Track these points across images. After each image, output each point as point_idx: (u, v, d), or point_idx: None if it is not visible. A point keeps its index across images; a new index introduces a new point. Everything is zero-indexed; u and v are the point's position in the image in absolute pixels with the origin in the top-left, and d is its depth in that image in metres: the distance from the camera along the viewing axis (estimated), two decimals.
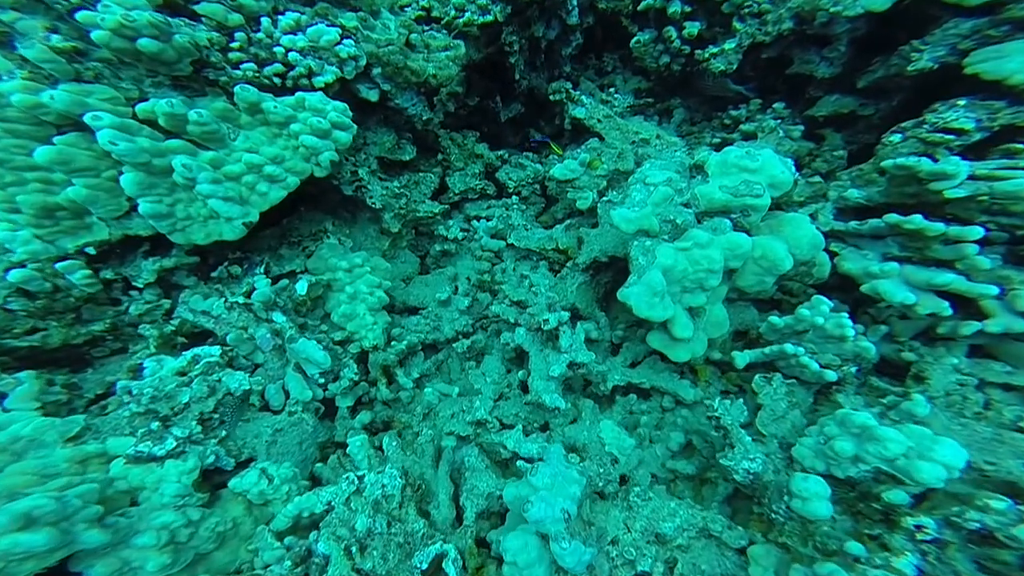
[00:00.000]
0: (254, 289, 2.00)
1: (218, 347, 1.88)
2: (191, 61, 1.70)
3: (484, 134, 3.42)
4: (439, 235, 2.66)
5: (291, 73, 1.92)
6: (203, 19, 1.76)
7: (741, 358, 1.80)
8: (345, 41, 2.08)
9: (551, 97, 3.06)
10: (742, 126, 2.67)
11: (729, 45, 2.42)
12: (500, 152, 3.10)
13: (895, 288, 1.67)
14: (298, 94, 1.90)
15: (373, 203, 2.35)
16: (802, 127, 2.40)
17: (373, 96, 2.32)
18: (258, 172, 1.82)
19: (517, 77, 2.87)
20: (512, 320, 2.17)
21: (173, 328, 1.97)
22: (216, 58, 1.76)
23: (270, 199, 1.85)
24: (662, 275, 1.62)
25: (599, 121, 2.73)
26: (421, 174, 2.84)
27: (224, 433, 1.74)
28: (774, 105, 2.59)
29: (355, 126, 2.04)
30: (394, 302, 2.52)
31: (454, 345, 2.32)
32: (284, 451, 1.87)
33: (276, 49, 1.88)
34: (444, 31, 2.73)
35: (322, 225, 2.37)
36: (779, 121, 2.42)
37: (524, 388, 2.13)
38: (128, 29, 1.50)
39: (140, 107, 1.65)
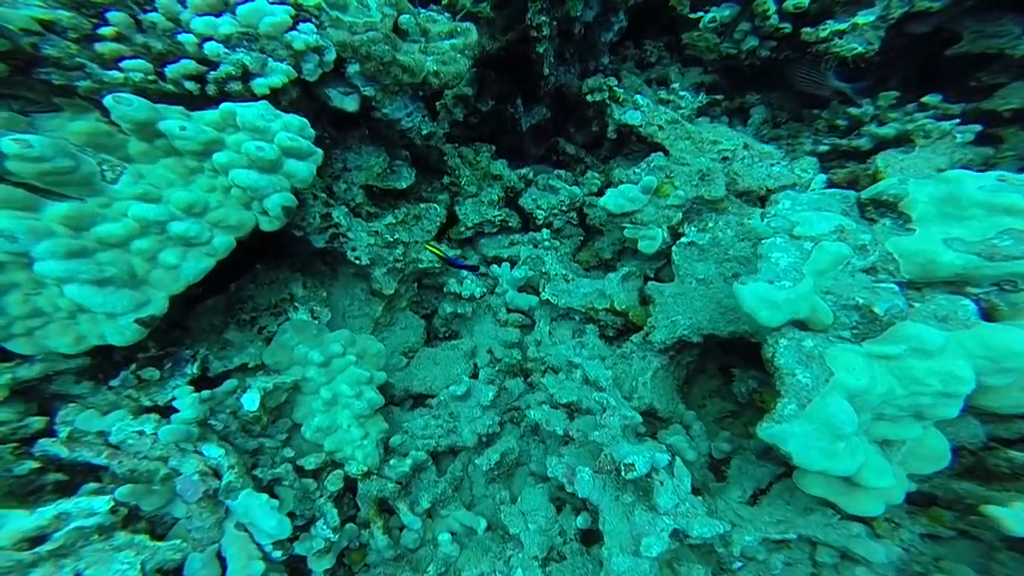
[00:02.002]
0: (173, 403, 1.28)
1: (106, 499, 1.14)
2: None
3: (500, 147, 2.70)
4: (451, 292, 1.93)
5: (212, 74, 1.20)
6: None
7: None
8: (301, 26, 1.36)
9: (587, 97, 2.32)
10: (873, 128, 1.89)
11: (866, 17, 1.68)
12: (523, 171, 2.37)
13: None
14: (225, 105, 1.18)
15: (357, 258, 1.62)
16: (979, 127, 1.67)
17: (350, 104, 1.60)
18: (160, 232, 1.10)
19: (546, 72, 2.14)
20: (560, 432, 1.43)
21: (33, 467, 1.22)
22: (60, 50, 1.04)
23: (185, 275, 1.13)
24: (848, 403, 0.89)
25: (660, 128, 1.99)
26: (423, 205, 2.11)
27: None
28: (924, 99, 1.83)
29: (319, 151, 1.32)
30: (393, 391, 1.79)
31: (477, 461, 1.59)
32: None
33: (183, 37, 1.16)
34: (447, 12, 2.00)
35: (287, 290, 1.64)
36: (954, 121, 1.67)
37: (587, 537, 1.40)
38: None
39: None
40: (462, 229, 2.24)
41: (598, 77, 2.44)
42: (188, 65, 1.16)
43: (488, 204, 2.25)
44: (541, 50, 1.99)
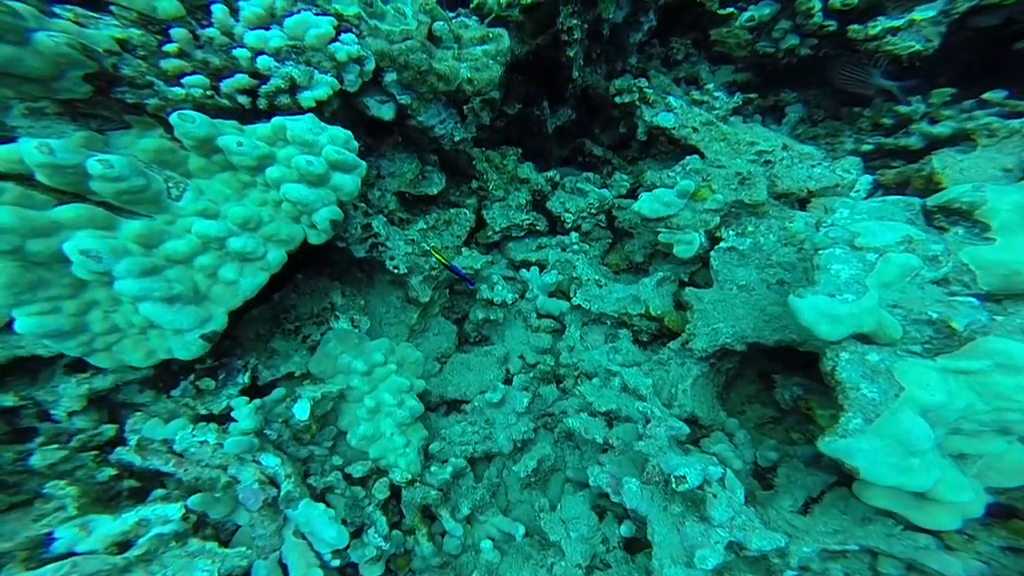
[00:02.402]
0: (230, 413, 1.32)
1: (178, 506, 1.20)
2: (85, 75, 1.01)
3: (524, 148, 2.70)
4: (482, 298, 1.95)
5: (263, 88, 1.23)
6: (112, 9, 1.07)
7: None
8: (343, 36, 1.38)
9: (616, 99, 2.31)
10: (925, 127, 1.83)
11: (926, 12, 1.63)
12: (550, 174, 2.37)
13: None
14: (275, 120, 1.21)
15: (396, 267, 1.64)
16: None
17: (387, 113, 1.62)
18: (220, 248, 1.13)
19: (575, 75, 2.13)
20: (600, 441, 1.44)
21: (112, 473, 1.29)
22: (134, 69, 1.07)
23: (242, 290, 1.16)
24: (920, 417, 0.88)
25: (695, 130, 1.97)
26: (453, 210, 2.13)
27: None
28: (986, 95, 1.77)
29: (363, 163, 1.34)
30: (429, 397, 1.82)
31: (514, 468, 1.61)
32: None
33: (238, 52, 1.19)
34: (476, 17, 2.00)
35: (328, 299, 1.67)
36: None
37: (629, 546, 1.41)
38: None
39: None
40: (490, 233, 2.25)
41: (626, 78, 2.42)
42: (242, 80, 1.19)
43: (516, 208, 2.26)
44: (572, 54, 1.98)
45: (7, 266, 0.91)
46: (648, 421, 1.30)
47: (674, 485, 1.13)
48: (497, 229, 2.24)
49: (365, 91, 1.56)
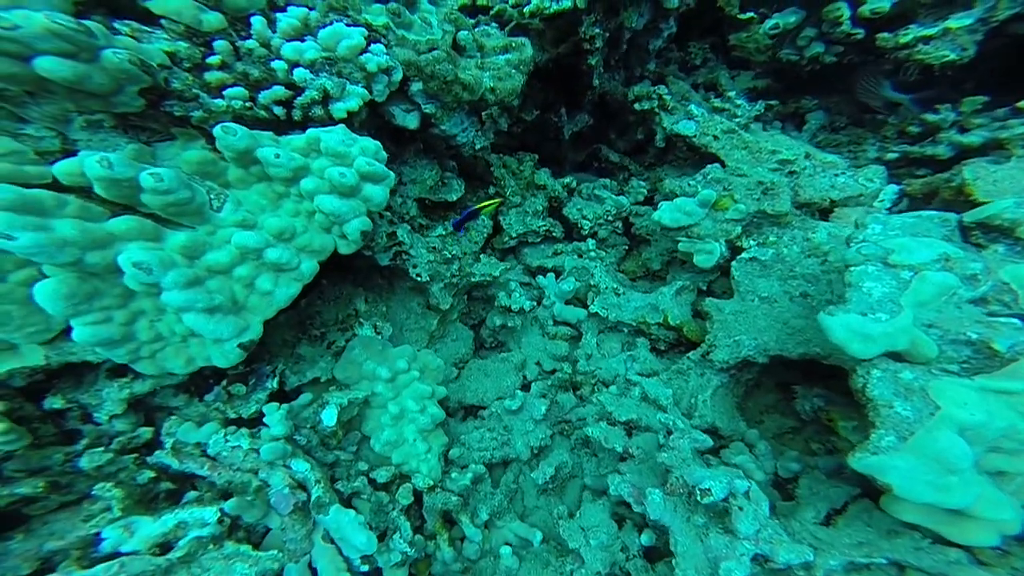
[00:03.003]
0: (262, 417, 1.37)
1: (214, 509, 1.25)
2: (140, 90, 1.05)
3: (539, 153, 2.73)
4: (500, 305, 1.98)
5: (298, 100, 1.27)
6: (163, 22, 1.11)
7: None
8: (373, 47, 1.42)
9: (635, 106, 2.33)
10: (954, 136, 1.83)
11: (962, 21, 1.63)
12: (567, 180, 2.40)
13: None
14: (310, 132, 1.25)
15: (418, 275, 1.68)
16: None
17: (412, 122, 1.65)
18: (257, 259, 1.17)
19: (596, 83, 2.15)
20: (619, 450, 1.46)
21: (151, 476, 1.34)
22: (182, 83, 1.11)
23: (277, 300, 1.21)
24: (958, 436, 0.90)
25: (715, 138, 1.99)
26: None
27: None
28: (1021, 103, 1.78)
29: (391, 174, 1.38)
30: (448, 402, 1.86)
31: (532, 475, 1.64)
32: None
33: (275, 64, 1.23)
34: (496, 25, 2.03)
35: (352, 306, 1.71)
36: None
37: (648, 554, 1.44)
38: (10, 43, 0.86)
39: (61, 166, 1.01)
40: (506, 239, 2.29)
41: (645, 84, 2.45)
42: (278, 91, 1.23)
43: (532, 214, 2.29)
44: (593, 62, 2.01)
45: (69, 277, 0.95)
46: (670, 432, 1.33)
47: (699, 498, 1.15)
48: (513, 235, 2.27)
49: (392, 100, 1.60)
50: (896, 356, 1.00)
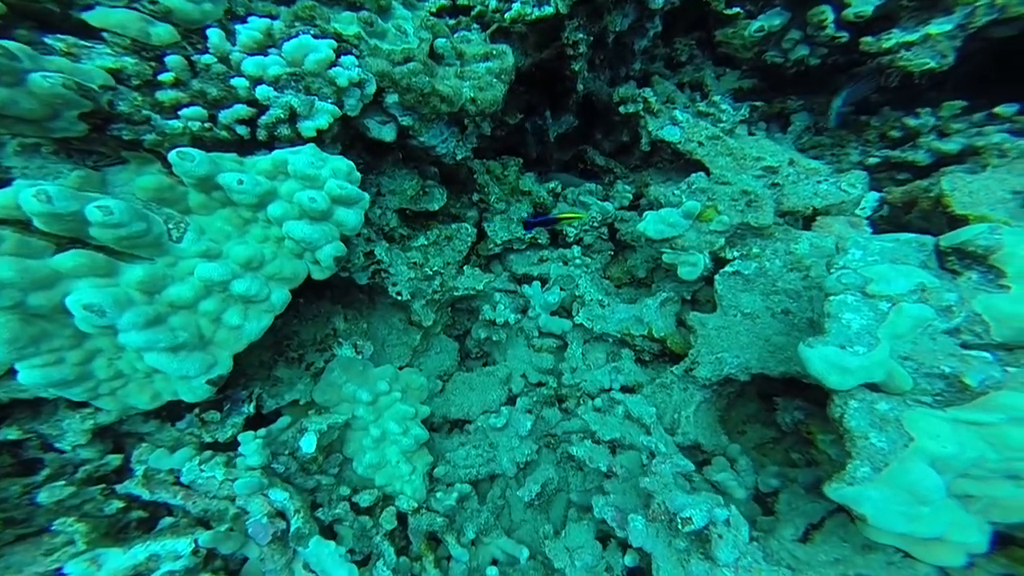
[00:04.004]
0: (238, 448, 1.33)
1: (188, 540, 1.22)
2: (81, 114, 0.97)
3: (524, 154, 2.68)
4: (484, 318, 1.95)
5: (262, 119, 1.20)
6: (105, 35, 1.03)
7: None
8: (344, 59, 1.34)
9: (620, 108, 2.28)
10: (933, 142, 1.83)
11: (942, 27, 1.61)
12: (551, 185, 2.36)
13: None
14: (276, 153, 1.18)
15: (398, 293, 1.64)
16: None
17: (388, 135, 1.59)
18: (223, 291, 1.12)
19: (580, 88, 2.10)
20: (604, 469, 1.47)
21: (120, 506, 1.31)
22: (130, 104, 1.04)
23: (247, 333, 1.16)
24: (930, 468, 0.91)
25: (700, 144, 1.96)
26: (454, 226, 2.11)
27: None
28: (997, 109, 1.77)
29: (365, 196, 1.32)
30: (432, 418, 1.84)
31: (518, 493, 1.64)
32: None
33: (236, 81, 1.15)
34: (477, 27, 1.96)
35: (330, 325, 1.67)
36: None
37: (632, 573, 1.46)
38: None
39: None
40: (491, 246, 2.25)
41: (630, 86, 2.40)
42: (240, 110, 1.15)
43: (517, 222, 2.25)
44: (577, 68, 1.95)
45: (9, 321, 0.89)
46: (653, 455, 1.33)
47: (680, 526, 1.16)
48: (498, 242, 2.23)
49: (366, 112, 1.53)
50: (873, 386, 1.01)
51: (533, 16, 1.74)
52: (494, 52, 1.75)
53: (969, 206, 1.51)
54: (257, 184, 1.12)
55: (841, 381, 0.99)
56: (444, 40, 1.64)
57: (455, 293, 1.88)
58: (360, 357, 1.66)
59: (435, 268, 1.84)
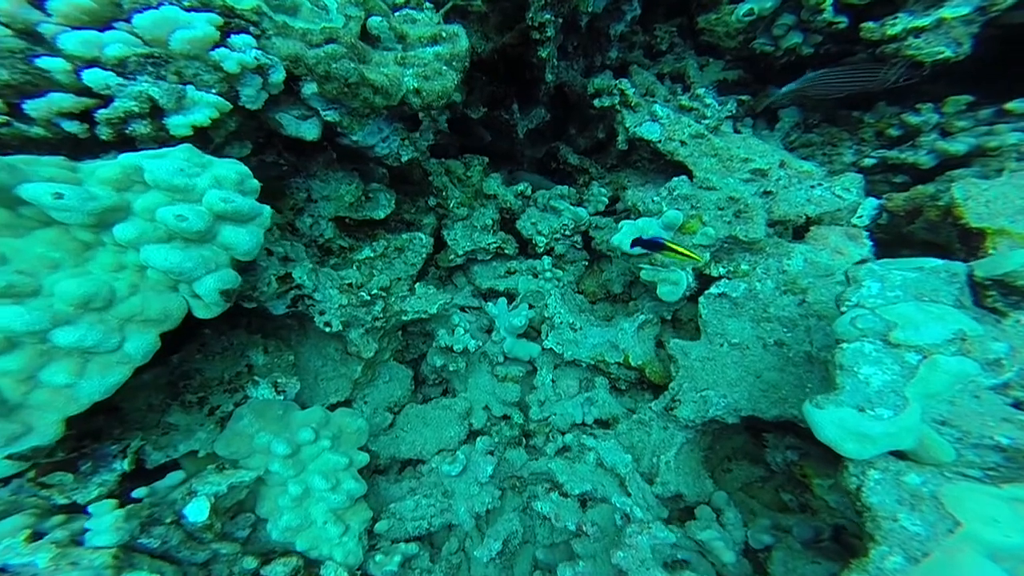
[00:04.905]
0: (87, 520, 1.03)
1: None
2: None
3: (492, 152, 2.39)
4: (440, 345, 1.67)
5: (102, 113, 0.88)
6: None
7: None
8: (235, 39, 1.03)
9: (595, 102, 2.01)
10: (938, 142, 1.60)
11: (958, 9, 1.36)
12: (520, 187, 2.08)
13: None
14: (125, 158, 0.87)
15: (327, 323, 1.35)
16: None
17: (309, 132, 1.28)
18: (40, 344, 0.81)
19: (549, 78, 1.81)
20: (572, 528, 1.22)
21: None
22: None
23: (86, 393, 0.85)
24: (991, 562, 0.68)
25: (683, 144, 1.70)
26: (406, 235, 1.82)
27: None
28: (1008, 105, 1.54)
29: (266, 210, 1.03)
30: (377, 460, 1.56)
31: (476, 553, 1.38)
32: None
33: (47, 63, 0.83)
34: (431, 5, 1.65)
35: (245, 360, 1.37)
36: None
37: None
38: None
39: None
40: (451, 257, 1.96)
41: (606, 76, 2.11)
42: (62, 100, 0.84)
43: (481, 229, 1.97)
44: (544, 54, 1.65)
45: None
46: (628, 518, 1.08)
47: None
48: (460, 252, 1.95)
49: (278, 104, 1.22)
50: (902, 456, 0.77)
51: None
52: (444, 34, 1.44)
53: (986, 218, 1.28)
54: (89, 199, 0.81)
55: (860, 450, 0.75)
56: (379, 19, 1.33)
57: (403, 318, 1.59)
58: (282, 398, 1.37)
59: (379, 287, 1.55)
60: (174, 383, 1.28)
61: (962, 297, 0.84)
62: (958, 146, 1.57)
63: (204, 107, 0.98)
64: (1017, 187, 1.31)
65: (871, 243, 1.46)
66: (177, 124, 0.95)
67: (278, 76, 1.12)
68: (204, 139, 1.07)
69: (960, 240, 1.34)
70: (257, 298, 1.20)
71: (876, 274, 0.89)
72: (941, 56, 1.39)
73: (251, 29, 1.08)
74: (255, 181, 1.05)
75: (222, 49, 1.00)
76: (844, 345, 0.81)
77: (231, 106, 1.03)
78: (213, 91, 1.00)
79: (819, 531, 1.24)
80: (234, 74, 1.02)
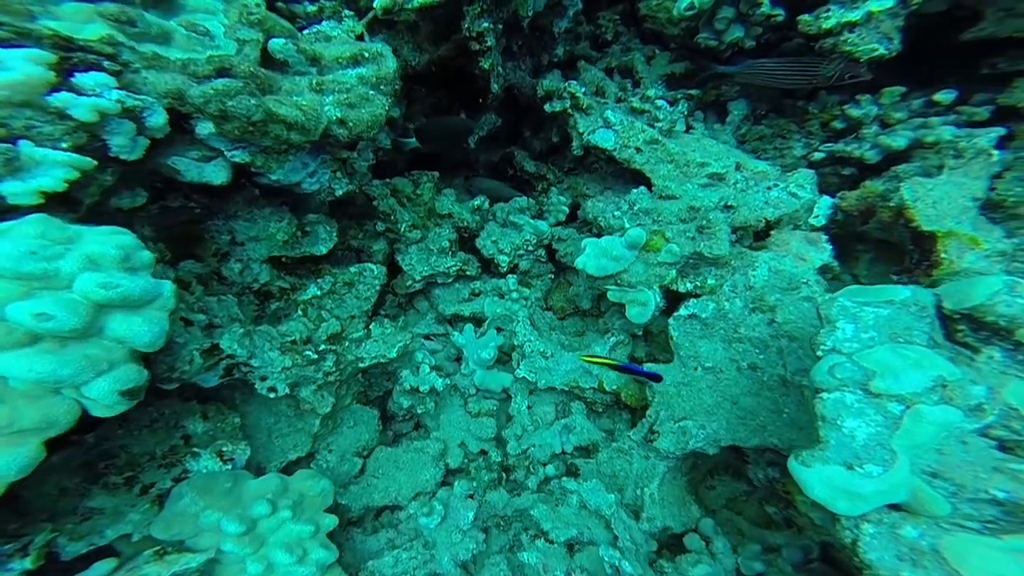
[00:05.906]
0: None
1: None
2: None
3: (445, 162, 2.21)
4: (404, 387, 1.53)
5: None
6: None
7: None
8: (82, 78, 0.81)
9: (545, 106, 1.85)
10: (879, 136, 1.56)
11: (882, 3, 1.27)
12: (476, 202, 1.92)
13: None
14: None
15: (271, 388, 1.17)
16: (1002, 130, 1.36)
17: (216, 176, 1.08)
18: None
19: (495, 88, 1.63)
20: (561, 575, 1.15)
21: None
22: None
23: None
24: None
25: (638, 151, 1.59)
26: (354, 268, 1.63)
27: None
28: (937, 96, 1.50)
29: (166, 287, 0.84)
30: (349, 512, 1.44)
31: None
32: None
33: None
34: (351, 14, 1.43)
35: (180, 431, 1.18)
36: (991, 135, 1.34)
37: None
38: None
39: None
40: (409, 283, 1.80)
41: (555, 76, 1.95)
42: None
43: (438, 252, 1.81)
44: (487, 65, 1.47)
45: None
46: (619, 572, 1.02)
47: None
48: (417, 278, 1.79)
49: (172, 145, 1.00)
50: (895, 508, 0.72)
51: (414, 4, 1.23)
52: (367, 54, 1.23)
53: (935, 219, 1.26)
54: None
55: (852, 508, 0.69)
56: (283, 41, 1.11)
57: (360, 365, 1.43)
58: (229, 467, 1.20)
59: (328, 335, 1.38)
60: (92, 463, 1.08)
61: (934, 334, 0.79)
62: (899, 141, 1.54)
63: (52, 167, 0.76)
64: (957, 184, 1.29)
65: (831, 247, 1.43)
66: (16, 192, 0.74)
67: (157, 119, 0.91)
68: (70, 201, 0.85)
69: (913, 242, 1.32)
70: (179, 378, 1.02)
71: (849, 313, 0.82)
72: (876, 53, 1.33)
73: (105, 64, 0.86)
74: (146, 253, 0.85)
75: (63, 93, 0.77)
76: (824, 395, 0.75)
77: (94, 162, 0.82)
78: (63, 145, 0.79)
79: (808, 551, 1.23)
80: (91, 122, 0.81)
